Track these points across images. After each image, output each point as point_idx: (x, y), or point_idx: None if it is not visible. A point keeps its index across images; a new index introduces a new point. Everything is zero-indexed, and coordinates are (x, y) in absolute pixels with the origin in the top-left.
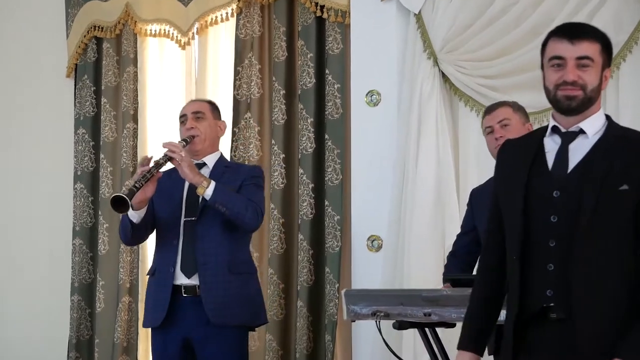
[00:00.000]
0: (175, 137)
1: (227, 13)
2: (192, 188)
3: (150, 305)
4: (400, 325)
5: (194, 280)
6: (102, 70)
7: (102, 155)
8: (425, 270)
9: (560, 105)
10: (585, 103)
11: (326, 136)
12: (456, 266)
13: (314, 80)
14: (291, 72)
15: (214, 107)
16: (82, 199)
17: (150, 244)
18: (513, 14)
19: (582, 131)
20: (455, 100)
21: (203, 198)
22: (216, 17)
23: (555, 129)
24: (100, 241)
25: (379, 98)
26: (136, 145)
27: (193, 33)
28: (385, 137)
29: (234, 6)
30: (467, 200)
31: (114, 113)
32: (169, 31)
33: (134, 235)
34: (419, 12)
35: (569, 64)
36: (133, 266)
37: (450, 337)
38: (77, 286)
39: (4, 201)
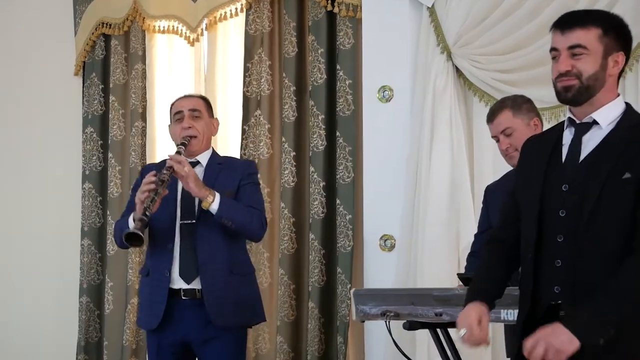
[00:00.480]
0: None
1: (236, 8)
2: (187, 190)
3: (145, 307)
4: (411, 326)
5: (195, 285)
6: (111, 67)
7: (110, 155)
8: (440, 270)
9: (559, 97)
10: (584, 92)
11: (337, 133)
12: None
13: (325, 76)
14: (302, 68)
15: (208, 104)
16: (91, 199)
17: None
18: (528, 6)
19: (595, 122)
20: (470, 95)
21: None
22: (225, 12)
23: (570, 121)
24: (108, 242)
25: (391, 94)
26: (145, 144)
27: (202, 29)
28: (397, 134)
29: (244, 1)
30: (482, 199)
31: (122, 111)
32: (177, 27)
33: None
34: (432, 5)
35: (562, 54)
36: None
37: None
38: (85, 287)
39: (13, 202)
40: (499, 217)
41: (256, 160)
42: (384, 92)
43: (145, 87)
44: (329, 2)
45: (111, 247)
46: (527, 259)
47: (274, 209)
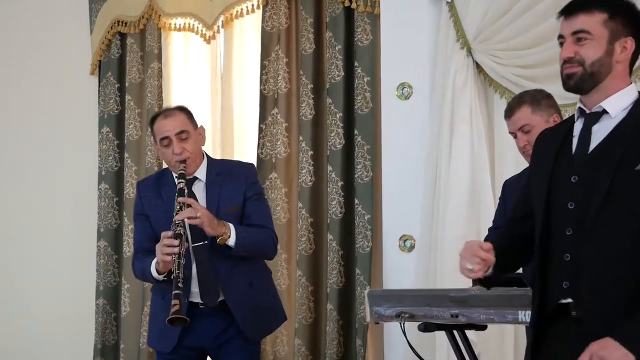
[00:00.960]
0: None
1: (252, 5)
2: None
3: (158, 330)
4: (426, 327)
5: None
6: (126, 66)
7: (126, 155)
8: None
9: (564, 85)
10: (587, 80)
11: (356, 131)
12: None
13: (343, 74)
14: (319, 65)
15: (190, 117)
16: (107, 200)
17: None
18: None
19: (605, 111)
20: (490, 91)
21: None
22: (242, 9)
23: (580, 111)
24: (125, 243)
25: (411, 91)
26: None
27: (218, 26)
28: (417, 131)
29: None
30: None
31: (138, 110)
32: (193, 25)
33: None
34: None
35: (567, 40)
36: None
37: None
38: (102, 289)
39: (28, 203)
40: (510, 211)
41: (273, 160)
42: (403, 89)
43: (161, 85)
44: None
45: (127, 248)
46: (537, 254)
47: (292, 209)
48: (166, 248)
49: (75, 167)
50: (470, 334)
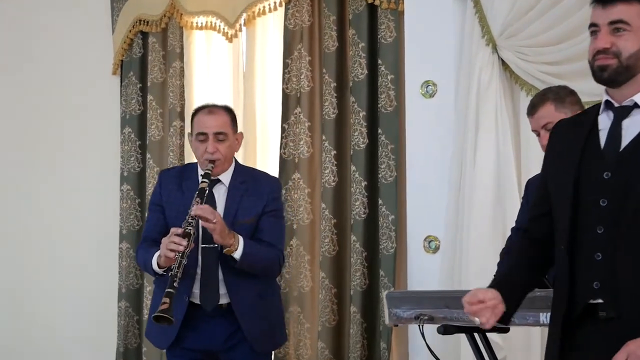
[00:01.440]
0: None
1: (275, 3)
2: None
3: (157, 325)
4: (445, 330)
5: (221, 300)
6: (148, 66)
7: (148, 155)
8: (486, 273)
9: (595, 77)
10: (622, 73)
11: (379, 131)
12: None
13: (366, 72)
14: (342, 63)
15: (233, 119)
16: (129, 201)
17: None
18: None
19: (637, 105)
20: (517, 89)
21: None
22: (264, 7)
23: (608, 104)
24: None
25: (435, 89)
26: (183, 144)
27: (240, 25)
28: (441, 130)
29: None
30: None
31: (160, 110)
32: (215, 23)
33: None
34: None
35: (602, 30)
36: None
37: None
38: (124, 292)
39: (50, 204)
40: (531, 209)
41: (296, 160)
42: (427, 87)
43: (183, 85)
44: None
45: None
46: (562, 252)
47: (315, 209)
48: (172, 244)
49: (97, 169)
50: (496, 337)
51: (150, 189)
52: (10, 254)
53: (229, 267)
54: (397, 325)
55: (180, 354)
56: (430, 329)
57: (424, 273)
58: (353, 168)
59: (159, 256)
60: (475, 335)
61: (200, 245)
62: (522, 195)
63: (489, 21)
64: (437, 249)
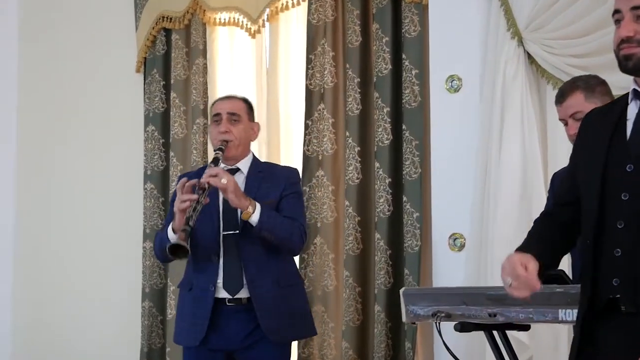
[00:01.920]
0: None
1: None
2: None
3: (187, 323)
4: (463, 327)
5: (240, 294)
6: (172, 63)
7: (172, 153)
8: None
9: (621, 67)
10: None
11: (404, 126)
12: None
13: (390, 67)
14: (366, 58)
15: (249, 108)
16: (153, 200)
17: None
18: None
19: None
20: (543, 83)
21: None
22: (287, 2)
23: (636, 93)
24: None
25: (460, 84)
26: (206, 142)
27: (263, 20)
28: (467, 126)
29: None
30: None
31: (183, 108)
32: (238, 19)
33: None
34: None
35: (625, 17)
36: None
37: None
38: (148, 292)
39: (73, 204)
40: (555, 197)
41: (320, 157)
42: (452, 81)
43: (206, 82)
44: None
45: None
46: (586, 247)
47: (339, 207)
48: (185, 196)
49: (121, 167)
50: (522, 336)
51: (173, 187)
52: (34, 254)
53: (249, 254)
54: (414, 323)
55: (197, 356)
56: (452, 327)
57: (449, 271)
58: (377, 165)
59: (174, 221)
60: (495, 332)
61: (222, 233)
62: (549, 188)
63: (515, 14)
64: (462, 246)
